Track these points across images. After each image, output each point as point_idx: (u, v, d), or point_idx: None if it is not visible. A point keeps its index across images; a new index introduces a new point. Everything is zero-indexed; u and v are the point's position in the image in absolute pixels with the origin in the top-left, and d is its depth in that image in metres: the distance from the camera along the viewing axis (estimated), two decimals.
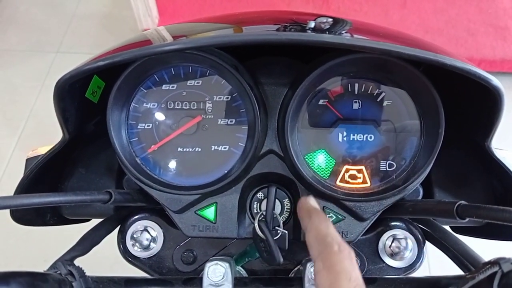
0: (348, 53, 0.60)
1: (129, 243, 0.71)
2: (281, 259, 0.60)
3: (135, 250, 0.71)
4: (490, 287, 0.45)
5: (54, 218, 0.75)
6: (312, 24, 0.64)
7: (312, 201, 0.58)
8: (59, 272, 0.51)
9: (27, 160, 0.77)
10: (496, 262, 0.45)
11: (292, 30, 0.60)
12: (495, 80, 0.54)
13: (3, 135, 2.60)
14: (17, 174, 0.70)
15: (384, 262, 0.70)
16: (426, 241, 0.71)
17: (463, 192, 0.72)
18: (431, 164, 0.63)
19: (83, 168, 0.74)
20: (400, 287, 0.58)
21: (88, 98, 0.64)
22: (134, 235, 0.71)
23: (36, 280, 0.47)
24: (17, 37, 3.13)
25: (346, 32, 0.62)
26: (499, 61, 2.87)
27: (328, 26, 0.64)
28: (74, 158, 0.74)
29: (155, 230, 0.72)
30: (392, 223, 0.71)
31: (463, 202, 0.53)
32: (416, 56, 0.51)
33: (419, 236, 0.70)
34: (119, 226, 0.73)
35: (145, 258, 0.72)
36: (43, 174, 0.68)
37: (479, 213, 0.51)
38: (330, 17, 0.67)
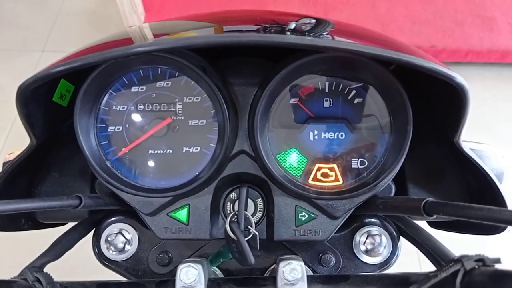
0: (317, 52, 0.60)
1: (103, 246, 0.71)
2: (253, 260, 0.60)
3: (110, 253, 0.71)
4: (453, 284, 0.45)
5: (29, 223, 0.74)
6: (292, 26, 0.63)
7: None
8: (26, 279, 0.51)
9: (4, 163, 0.76)
10: (459, 260, 0.45)
11: (272, 31, 0.60)
12: (459, 78, 0.54)
13: None
14: None
15: (359, 259, 0.70)
16: (401, 237, 0.72)
17: (437, 189, 0.72)
18: (401, 161, 0.63)
19: (57, 172, 0.74)
20: (372, 284, 0.58)
21: (57, 102, 0.63)
22: (109, 238, 0.71)
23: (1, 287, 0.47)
24: (1, 36, 3.12)
25: (327, 34, 0.62)
26: (486, 51, 2.89)
27: (309, 28, 0.64)
28: (48, 162, 0.73)
29: (130, 233, 0.72)
30: (367, 220, 0.71)
31: (430, 199, 0.54)
32: (379, 55, 0.51)
33: (394, 232, 0.70)
34: (93, 230, 0.72)
35: (120, 261, 0.71)
36: (15, 179, 0.67)
37: (446, 210, 0.52)
38: (314, 18, 0.67)
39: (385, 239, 0.70)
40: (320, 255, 0.70)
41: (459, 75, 0.54)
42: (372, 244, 0.70)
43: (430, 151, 0.73)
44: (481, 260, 0.45)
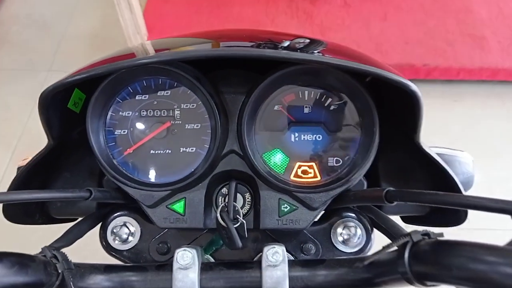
0: (294, 65, 0.70)
1: (110, 237, 0.80)
2: (240, 244, 0.68)
3: (116, 243, 0.80)
4: (403, 254, 0.54)
5: (43, 217, 0.83)
6: (286, 44, 0.73)
7: None
8: (45, 255, 0.60)
9: (18, 168, 0.86)
10: (408, 234, 0.54)
11: (265, 47, 0.70)
12: (413, 86, 0.63)
13: None
14: None
15: (336, 248, 0.79)
16: (374, 229, 0.80)
17: (406, 187, 0.81)
18: (370, 159, 0.72)
19: (68, 173, 0.83)
20: (344, 265, 0.66)
21: (71, 109, 0.73)
22: (114, 230, 0.79)
23: (24, 260, 0.55)
24: (9, 57, 3.24)
25: (318, 52, 0.72)
26: (477, 69, 2.97)
27: (302, 46, 0.74)
28: (60, 164, 0.83)
29: (133, 226, 0.80)
30: (344, 214, 0.79)
31: (391, 188, 0.63)
32: (340, 65, 0.61)
33: (367, 224, 0.79)
34: (101, 223, 0.81)
35: (124, 250, 0.80)
36: (31, 178, 0.76)
37: (403, 196, 0.61)
38: (308, 39, 0.77)
39: (359, 231, 0.79)
40: (302, 245, 0.79)
41: (413, 84, 0.63)
42: (348, 235, 0.78)
43: (400, 153, 0.82)
44: (426, 234, 0.54)
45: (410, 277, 0.54)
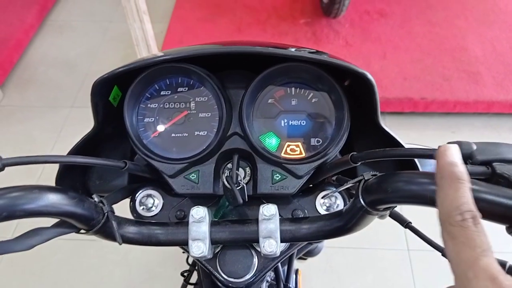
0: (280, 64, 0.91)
1: (138, 207, 0.98)
2: (241, 200, 0.87)
3: (143, 211, 0.98)
4: (358, 192, 0.73)
5: (84, 193, 1.03)
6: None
7: (455, 158, 0.52)
8: (95, 200, 0.79)
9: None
10: (362, 175, 0.73)
11: None
12: (368, 75, 0.84)
13: (23, 181, 2.89)
14: None
15: (319, 214, 0.97)
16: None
17: (377, 166, 1.00)
18: (343, 137, 0.91)
19: (105, 156, 1.04)
20: (323, 219, 0.84)
21: (111, 102, 0.95)
22: (142, 200, 0.98)
23: (81, 197, 0.74)
24: (36, 94, 3.53)
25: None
26: (472, 102, 3.13)
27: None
28: (99, 150, 1.03)
29: (157, 198, 0.99)
30: (326, 187, 0.98)
31: (355, 153, 0.82)
32: (313, 59, 0.82)
33: (345, 195, 0.97)
34: (130, 198, 1.00)
35: (149, 216, 0.99)
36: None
37: (364, 157, 0.79)
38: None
39: (339, 200, 0.97)
40: (292, 211, 0.97)
41: (368, 73, 0.84)
42: (330, 204, 0.97)
43: (372, 138, 1.00)
44: (375, 174, 0.73)
45: (366, 208, 0.72)
